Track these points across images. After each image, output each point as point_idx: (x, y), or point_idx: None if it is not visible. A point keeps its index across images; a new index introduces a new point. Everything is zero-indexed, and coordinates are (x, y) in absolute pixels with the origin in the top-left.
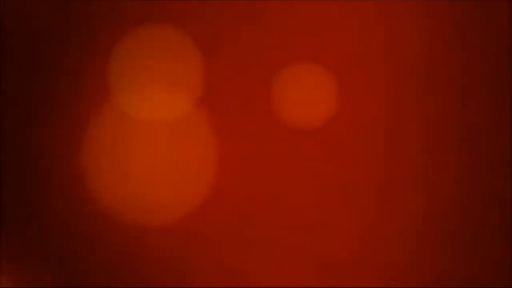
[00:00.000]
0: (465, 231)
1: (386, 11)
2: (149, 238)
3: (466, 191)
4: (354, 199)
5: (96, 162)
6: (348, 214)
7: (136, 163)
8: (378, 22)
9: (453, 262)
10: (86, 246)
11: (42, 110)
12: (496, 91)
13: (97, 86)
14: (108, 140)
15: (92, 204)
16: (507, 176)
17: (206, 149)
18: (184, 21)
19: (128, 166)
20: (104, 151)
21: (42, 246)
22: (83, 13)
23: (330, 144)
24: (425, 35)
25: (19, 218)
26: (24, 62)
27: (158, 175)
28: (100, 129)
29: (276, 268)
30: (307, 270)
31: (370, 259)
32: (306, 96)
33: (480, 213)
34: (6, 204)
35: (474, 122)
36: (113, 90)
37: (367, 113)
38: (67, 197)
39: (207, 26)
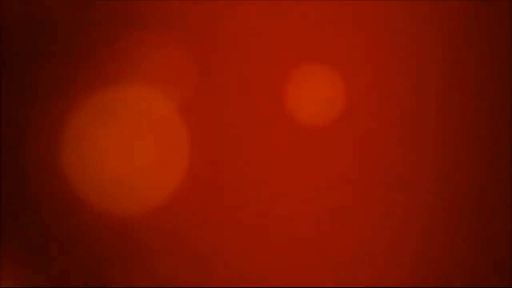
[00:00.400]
0: (465, 231)
1: (394, 12)
2: (131, 227)
3: (467, 192)
4: (355, 198)
5: (76, 156)
6: (348, 213)
7: (115, 156)
8: (386, 23)
9: (453, 262)
10: (65, 236)
11: (21, 103)
12: (500, 90)
13: (79, 81)
14: (88, 133)
15: (72, 196)
16: (508, 176)
17: (180, 141)
18: (178, 22)
19: (108, 158)
20: (83, 143)
21: (20, 236)
22: (72, 13)
23: (333, 143)
24: (433, 36)
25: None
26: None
27: (136, 166)
28: (81, 124)
29: (264, 261)
30: (305, 268)
31: (368, 258)
32: (312, 95)
33: (481, 213)
34: None
35: (478, 121)
36: (96, 86)
37: (371, 113)
38: (47, 189)
39: (200, 27)
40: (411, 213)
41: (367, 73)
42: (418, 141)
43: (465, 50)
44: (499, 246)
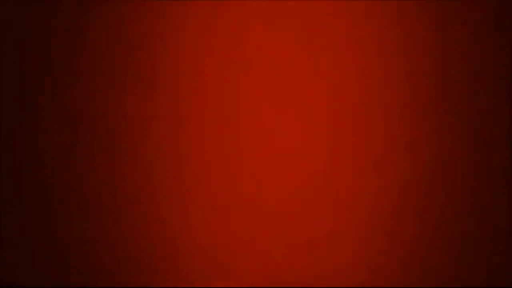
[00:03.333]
0: (465, 231)
1: (394, 11)
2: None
3: (466, 192)
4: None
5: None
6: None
7: None
8: (386, 22)
9: (453, 262)
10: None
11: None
12: (499, 90)
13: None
14: None
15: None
16: (508, 176)
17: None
18: (181, 22)
19: None
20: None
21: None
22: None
23: (333, 142)
24: (429, 36)
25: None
26: None
27: None
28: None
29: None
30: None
31: (366, 257)
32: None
33: (481, 213)
34: None
35: (477, 120)
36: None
37: (366, 112)
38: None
39: (203, 27)
40: (410, 212)
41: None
42: (422, 139)
43: (467, 50)
44: (499, 246)
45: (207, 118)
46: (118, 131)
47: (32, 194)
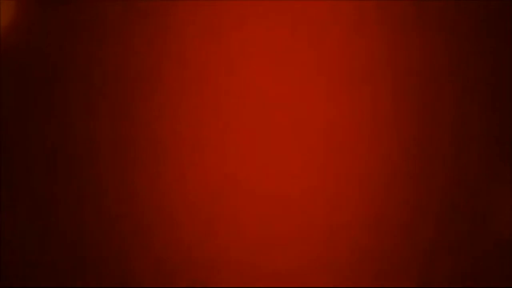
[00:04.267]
0: (465, 231)
1: (389, 12)
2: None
3: (466, 192)
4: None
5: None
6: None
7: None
8: (380, 24)
9: (454, 262)
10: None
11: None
12: (497, 90)
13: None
14: None
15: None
16: (508, 175)
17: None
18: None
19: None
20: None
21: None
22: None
23: (329, 142)
24: (423, 37)
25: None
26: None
27: None
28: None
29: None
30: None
31: (367, 258)
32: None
33: (481, 213)
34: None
35: (473, 121)
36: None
37: (366, 111)
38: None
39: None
40: (410, 213)
41: (363, 74)
42: (419, 138)
43: (465, 49)
44: (499, 246)
45: (207, 118)
46: (117, 130)
47: (32, 194)
